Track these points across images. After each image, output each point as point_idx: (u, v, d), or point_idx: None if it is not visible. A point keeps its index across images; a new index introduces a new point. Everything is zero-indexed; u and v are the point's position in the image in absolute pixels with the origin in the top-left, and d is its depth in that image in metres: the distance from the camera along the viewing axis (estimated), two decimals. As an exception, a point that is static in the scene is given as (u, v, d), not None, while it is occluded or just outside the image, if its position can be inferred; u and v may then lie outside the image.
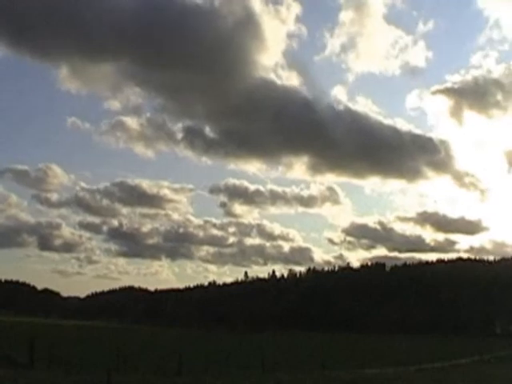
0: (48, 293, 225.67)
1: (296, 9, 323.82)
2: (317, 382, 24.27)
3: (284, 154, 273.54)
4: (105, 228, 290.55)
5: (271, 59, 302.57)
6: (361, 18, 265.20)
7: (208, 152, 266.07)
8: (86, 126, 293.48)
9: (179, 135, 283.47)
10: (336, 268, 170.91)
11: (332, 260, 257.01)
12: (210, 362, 35.85)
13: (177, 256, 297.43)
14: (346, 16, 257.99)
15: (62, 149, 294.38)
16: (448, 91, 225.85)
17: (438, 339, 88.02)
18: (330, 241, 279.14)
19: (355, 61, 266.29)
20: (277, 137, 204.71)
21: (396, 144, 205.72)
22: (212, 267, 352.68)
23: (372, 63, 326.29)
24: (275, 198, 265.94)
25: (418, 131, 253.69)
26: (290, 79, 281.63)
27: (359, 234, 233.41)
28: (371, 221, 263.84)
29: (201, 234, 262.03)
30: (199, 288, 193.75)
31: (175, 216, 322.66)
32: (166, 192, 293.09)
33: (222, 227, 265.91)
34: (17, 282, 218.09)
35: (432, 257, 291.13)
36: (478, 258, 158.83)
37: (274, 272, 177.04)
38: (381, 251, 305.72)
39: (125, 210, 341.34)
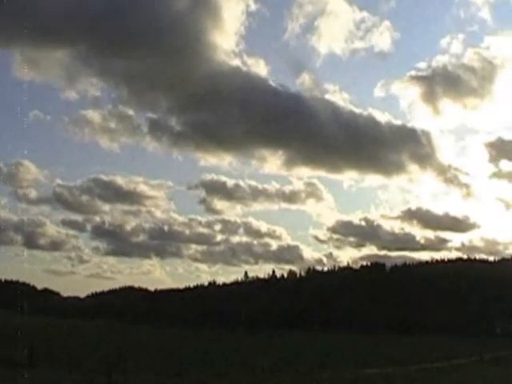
0: (48, 293, 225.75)
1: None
2: (317, 382, 24.27)
3: (256, 147, 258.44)
4: (89, 226, 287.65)
5: (233, 44, 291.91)
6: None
7: (177, 145, 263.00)
8: (48, 119, 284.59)
9: (144, 128, 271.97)
10: (336, 268, 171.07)
11: (323, 258, 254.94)
12: (209, 362, 35.86)
13: (166, 255, 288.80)
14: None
15: (29, 144, 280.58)
16: (420, 78, 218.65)
17: (437, 339, 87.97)
18: (317, 238, 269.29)
19: (319, 44, 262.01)
20: (246, 129, 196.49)
21: (373, 135, 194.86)
22: (203, 266, 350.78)
23: (337, 46, 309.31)
24: (256, 193, 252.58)
25: (397, 122, 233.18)
26: (255, 66, 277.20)
27: (346, 231, 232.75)
28: (356, 218, 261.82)
29: (187, 231, 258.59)
30: (199, 288, 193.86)
31: (157, 213, 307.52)
32: (143, 188, 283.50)
33: (209, 225, 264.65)
34: (17, 282, 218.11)
35: (424, 255, 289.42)
36: (478, 257, 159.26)
37: (273, 272, 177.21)
38: (370, 249, 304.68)
39: (106, 207, 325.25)
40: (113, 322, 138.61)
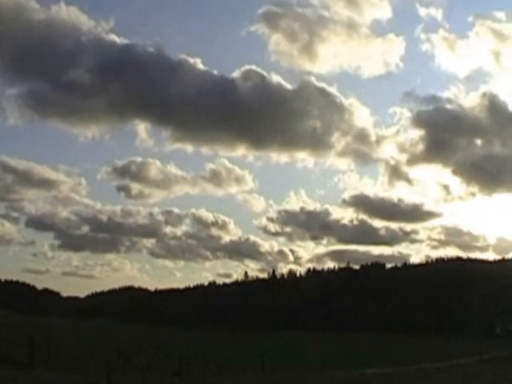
0: (48, 293, 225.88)
1: None
2: (317, 382, 24.28)
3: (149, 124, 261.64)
4: (23, 218, 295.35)
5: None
6: None
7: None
8: None
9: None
10: (336, 268, 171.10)
11: (287, 252, 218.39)
12: (209, 362, 35.87)
13: (121, 249, 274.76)
14: None
15: None
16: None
17: (437, 339, 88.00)
18: (266, 230, 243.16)
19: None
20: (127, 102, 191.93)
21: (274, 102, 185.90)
22: (168, 263, 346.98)
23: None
24: (177, 178, 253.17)
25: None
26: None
27: (292, 222, 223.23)
28: (295, 206, 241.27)
29: (129, 222, 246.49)
30: (199, 288, 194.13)
31: (82, 201, 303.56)
32: (53, 174, 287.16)
33: (151, 216, 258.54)
34: (17, 282, 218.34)
35: (385, 250, 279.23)
36: (478, 257, 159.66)
37: (273, 272, 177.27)
38: (331, 243, 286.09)
39: (30, 195, 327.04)
40: (113, 322, 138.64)
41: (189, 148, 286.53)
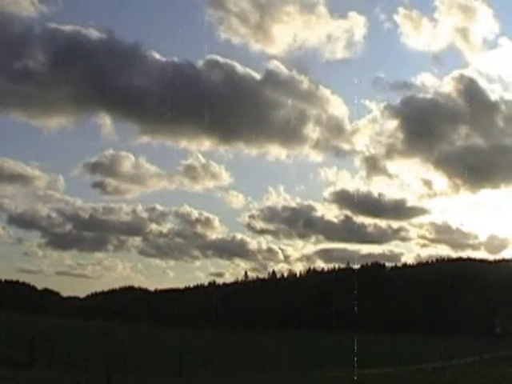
0: (48, 293, 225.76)
1: None
2: (317, 382, 24.28)
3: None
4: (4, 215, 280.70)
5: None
6: None
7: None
8: None
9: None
10: (336, 268, 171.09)
11: (276, 250, 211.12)
12: (209, 362, 35.87)
13: (108, 248, 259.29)
14: None
15: None
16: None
17: (437, 339, 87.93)
18: (250, 227, 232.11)
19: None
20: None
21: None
22: (159, 262, 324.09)
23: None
24: (150, 173, 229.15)
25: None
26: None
27: (276, 219, 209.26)
28: (277, 203, 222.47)
29: (113, 219, 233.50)
30: (199, 288, 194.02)
31: (61, 199, 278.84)
32: (28, 171, 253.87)
33: (134, 213, 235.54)
34: (17, 282, 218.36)
35: (375, 249, 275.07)
36: (477, 257, 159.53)
37: (273, 272, 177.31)
38: (319, 240, 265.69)
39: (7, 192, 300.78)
40: (113, 322, 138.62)
41: (158, 142, 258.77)
